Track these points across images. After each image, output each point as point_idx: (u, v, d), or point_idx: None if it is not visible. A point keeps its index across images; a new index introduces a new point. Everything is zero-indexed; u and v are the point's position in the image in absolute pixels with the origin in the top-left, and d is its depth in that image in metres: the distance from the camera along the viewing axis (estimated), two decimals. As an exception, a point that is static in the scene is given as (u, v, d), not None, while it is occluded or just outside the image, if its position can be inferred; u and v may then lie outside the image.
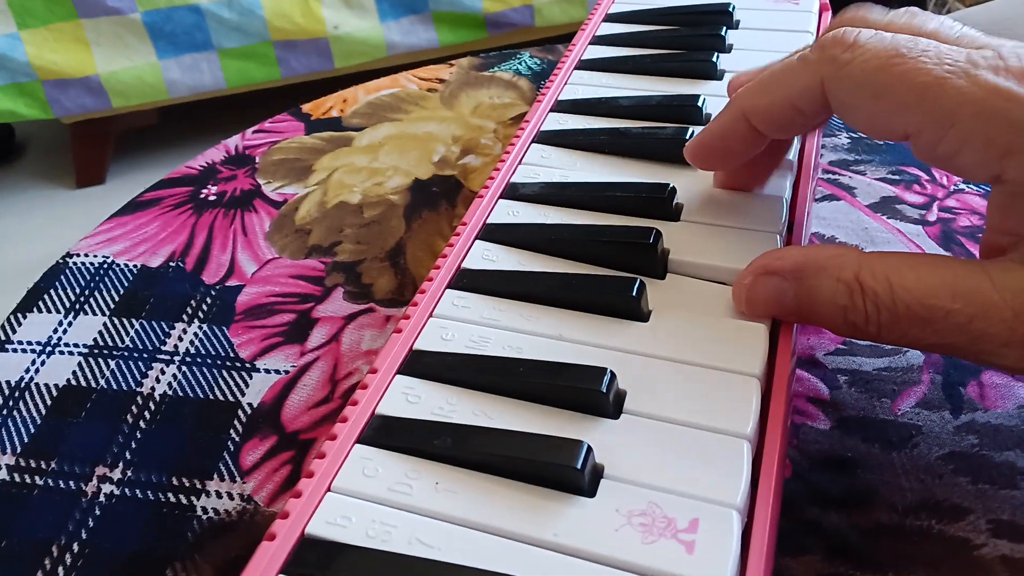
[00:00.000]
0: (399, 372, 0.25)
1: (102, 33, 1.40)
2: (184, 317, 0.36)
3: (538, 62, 0.52)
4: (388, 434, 0.23)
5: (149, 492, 0.29)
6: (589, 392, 0.23)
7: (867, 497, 0.27)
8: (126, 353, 0.34)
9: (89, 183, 1.62)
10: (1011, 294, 0.21)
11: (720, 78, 0.38)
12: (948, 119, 0.22)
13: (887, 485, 0.27)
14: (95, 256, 0.40)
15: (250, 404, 0.32)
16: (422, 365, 0.25)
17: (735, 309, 0.26)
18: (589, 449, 0.21)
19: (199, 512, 0.28)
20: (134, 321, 0.36)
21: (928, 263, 0.23)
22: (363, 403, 0.24)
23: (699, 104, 0.35)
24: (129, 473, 0.30)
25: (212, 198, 0.43)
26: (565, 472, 0.21)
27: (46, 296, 0.37)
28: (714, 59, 0.38)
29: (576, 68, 0.40)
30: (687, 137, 0.33)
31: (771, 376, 0.25)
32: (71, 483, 0.29)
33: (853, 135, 0.44)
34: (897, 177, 0.41)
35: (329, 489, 0.22)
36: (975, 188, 0.40)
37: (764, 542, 0.21)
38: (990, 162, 0.22)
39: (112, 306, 0.37)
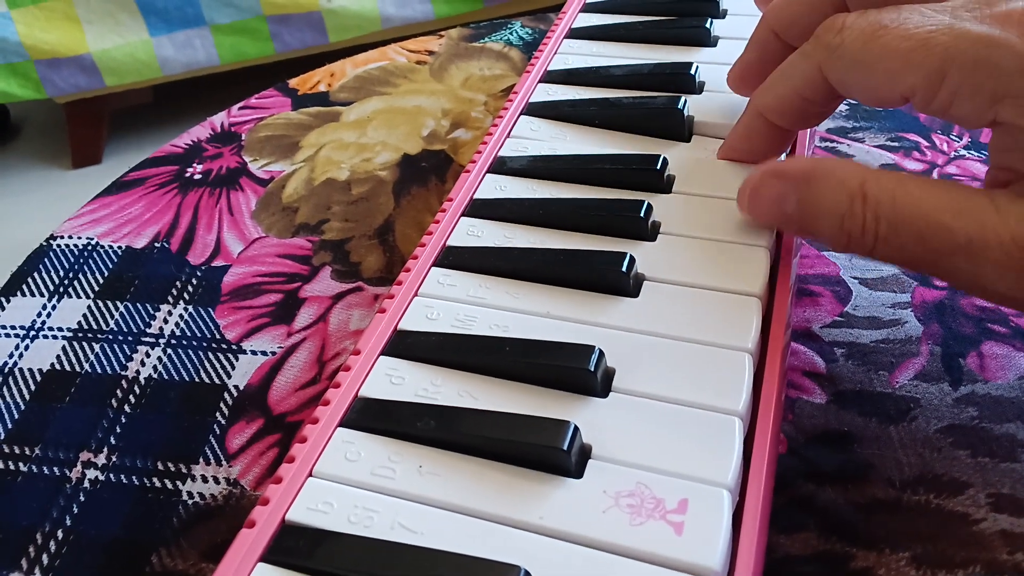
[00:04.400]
0: (383, 353, 0.24)
1: (93, 11, 1.38)
2: (169, 299, 0.35)
3: (529, 32, 0.51)
4: (371, 417, 0.23)
5: (134, 477, 0.28)
6: (576, 371, 0.22)
7: (864, 472, 0.26)
8: (111, 336, 0.34)
9: (85, 163, 1.61)
10: (1013, 219, 0.22)
11: (714, 44, 0.37)
12: (937, 76, 0.23)
13: (884, 459, 0.27)
14: (79, 238, 0.39)
15: (236, 387, 0.31)
16: (406, 346, 0.25)
17: (738, 208, 0.27)
18: (576, 429, 0.21)
19: (184, 497, 0.28)
20: (119, 304, 0.35)
21: (934, 183, 0.23)
22: (346, 385, 0.23)
23: (692, 72, 0.34)
24: (114, 458, 0.29)
25: (197, 177, 0.42)
26: (551, 453, 0.21)
27: (29, 279, 0.37)
28: (707, 25, 0.37)
29: (566, 37, 0.39)
30: (679, 106, 0.32)
31: (765, 350, 0.24)
32: (55, 469, 0.29)
33: (851, 101, 0.43)
34: (896, 144, 0.40)
35: (311, 474, 0.21)
36: (976, 154, 0.39)
37: (756, 521, 0.20)
38: (983, 109, 0.22)
39: (96, 289, 0.36)
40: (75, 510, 0.28)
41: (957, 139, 0.40)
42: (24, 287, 0.37)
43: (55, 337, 0.34)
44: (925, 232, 0.22)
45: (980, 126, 0.23)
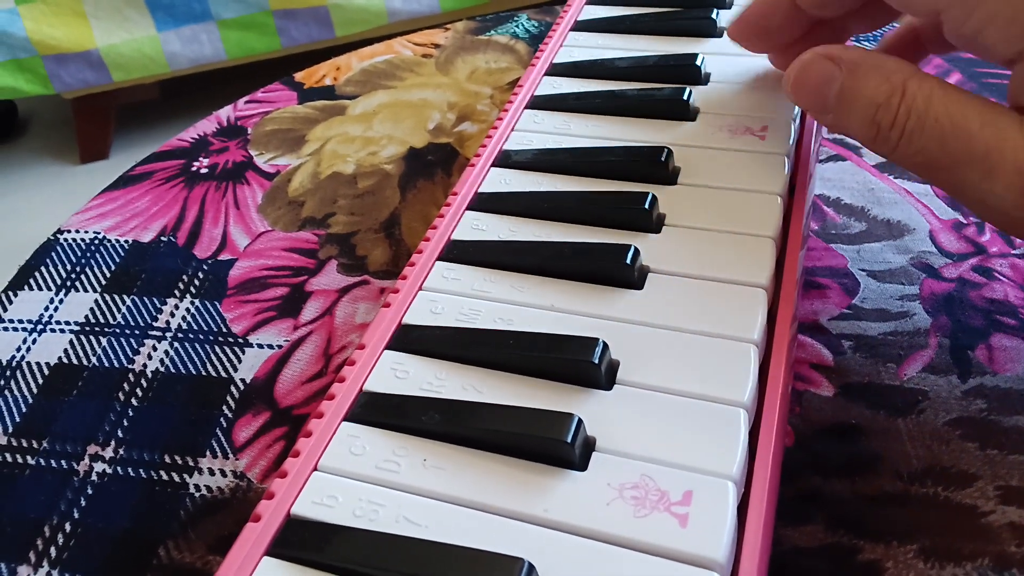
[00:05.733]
0: (388, 347, 0.24)
1: (100, 6, 1.38)
2: (176, 292, 0.35)
3: (535, 24, 0.51)
4: (376, 411, 0.23)
5: (141, 470, 0.29)
6: (581, 364, 0.22)
7: (871, 465, 0.26)
8: (118, 330, 0.34)
9: (93, 158, 1.62)
10: None
11: (720, 35, 0.36)
12: None
13: (892, 452, 0.27)
14: (86, 232, 0.39)
15: (243, 380, 0.31)
16: (411, 340, 0.25)
17: (783, 86, 0.27)
18: (580, 422, 0.21)
19: (192, 490, 0.28)
20: (125, 297, 0.35)
21: (972, 95, 0.23)
22: (350, 379, 0.23)
23: (698, 63, 0.33)
24: (121, 451, 0.29)
25: (204, 171, 0.42)
26: (555, 446, 0.21)
27: (37, 273, 0.37)
28: (713, 15, 0.36)
29: (572, 29, 0.38)
30: (684, 97, 0.32)
31: (771, 342, 0.24)
32: (63, 462, 0.29)
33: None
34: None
35: (316, 468, 0.21)
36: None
37: (762, 513, 0.20)
38: (1013, 39, 0.22)
39: (103, 282, 0.36)
40: (83, 503, 0.28)
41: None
42: (31, 281, 0.37)
43: (62, 331, 0.34)
44: (948, 134, 0.23)
45: (1003, 59, 0.23)
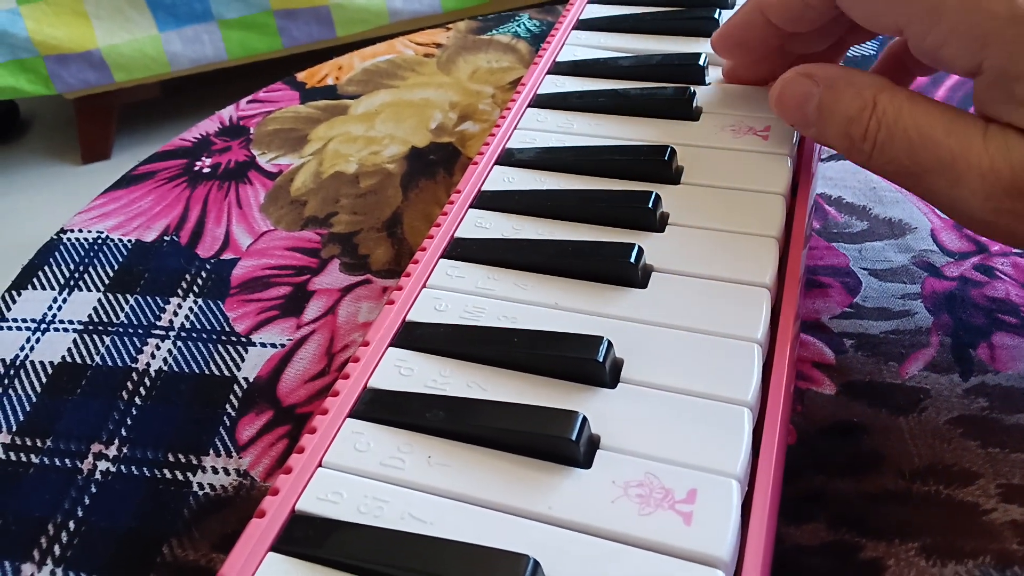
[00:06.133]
0: (392, 344, 0.24)
1: (102, 6, 1.38)
2: (179, 292, 0.35)
3: (537, 24, 0.51)
4: (380, 408, 0.23)
5: (145, 469, 0.29)
6: (585, 362, 0.22)
7: (873, 463, 0.26)
8: (121, 329, 0.34)
9: (95, 158, 1.62)
10: (995, 149, 0.23)
11: (722, 35, 0.36)
12: (936, 13, 0.23)
13: (894, 450, 0.27)
14: (89, 232, 0.39)
15: (246, 379, 0.31)
16: (415, 337, 0.25)
17: (769, 102, 0.28)
18: (585, 420, 0.21)
19: (195, 488, 0.28)
20: (129, 297, 0.35)
21: (939, 104, 0.24)
22: (355, 377, 0.23)
23: (701, 63, 0.34)
24: (125, 450, 0.29)
25: (206, 170, 0.42)
26: (560, 444, 0.21)
27: (40, 273, 0.37)
28: (716, 15, 0.36)
29: (574, 28, 0.38)
30: (688, 97, 0.32)
31: (774, 341, 0.24)
32: (67, 461, 0.29)
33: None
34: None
35: (320, 464, 0.21)
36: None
37: (765, 512, 0.20)
38: (972, 53, 0.23)
39: (107, 282, 0.36)
40: (87, 502, 0.28)
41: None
42: (35, 281, 0.37)
43: (66, 330, 0.34)
44: (917, 144, 0.24)
45: (964, 73, 0.24)
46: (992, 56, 0.23)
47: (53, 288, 0.36)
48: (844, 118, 0.25)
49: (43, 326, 0.34)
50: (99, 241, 0.38)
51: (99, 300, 0.35)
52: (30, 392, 0.32)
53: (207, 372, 0.32)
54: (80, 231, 0.39)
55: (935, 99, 0.24)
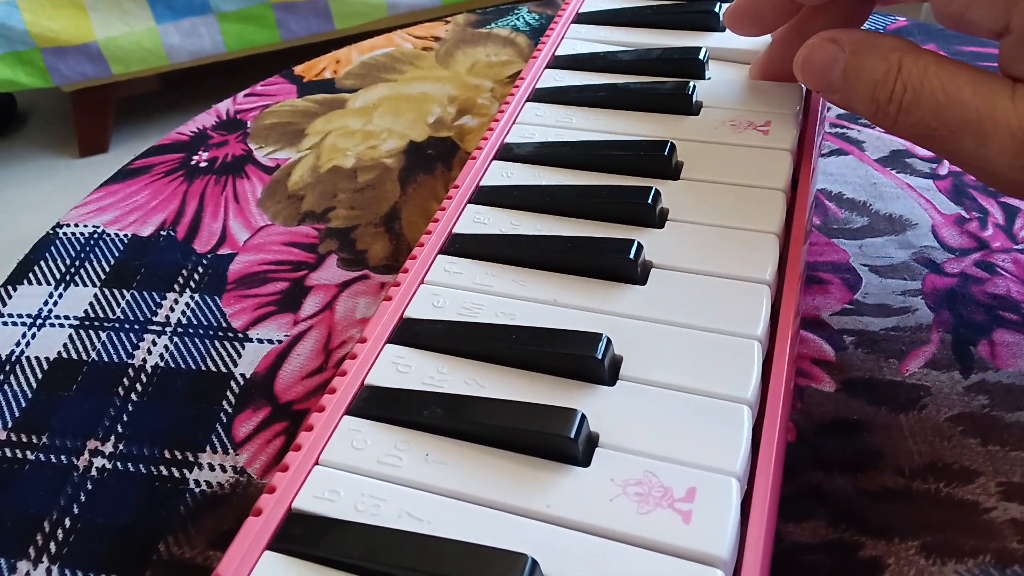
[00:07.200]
0: (389, 341, 0.24)
1: (99, -2, 1.38)
2: (176, 287, 0.35)
3: (536, 17, 0.50)
4: (377, 405, 0.23)
5: (141, 465, 0.28)
6: (584, 359, 0.22)
7: (873, 461, 0.26)
8: (117, 324, 0.34)
9: (92, 151, 1.61)
10: (1023, 106, 0.23)
11: (723, 29, 0.36)
12: None
13: (894, 448, 0.27)
14: (85, 226, 0.39)
15: (243, 375, 0.31)
16: (413, 334, 0.24)
17: (793, 70, 0.28)
18: (583, 418, 0.21)
19: (192, 485, 0.28)
20: (125, 292, 0.35)
21: (964, 66, 0.24)
22: (352, 373, 0.23)
23: (701, 57, 0.33)
24: (121, 446, 0.29)
25: (203, 165, 0.42)
26: (558, 441, 0.20)
27: (36, 268, 0.37)
28: (716, 9, 0.36)
29: (573, 22, 0.38)
30: (688, 92, 0.31)
31: (774, 338, 0.24)
32: (63, 457, 0.29)
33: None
34: (907, 130, 0.39)
35: (317, 462, 0.21)
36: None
37: (765, 510, 0.20)
38: (998, 13, 0.23)
39: (103, 277, 0.36)
40: (82, 498, 0.28)
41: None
42: (30, 275, 0.37)
43: (61, 325, 0.34)
44: (943, 105, 0.24)
45: (991, 34, 0.24)
46: (1019, 15, 0.23)
47: (49, 283, 0.36)
48: (870, 82, 0.25)
49: (39, 321, 0.34)
50: (95, 236, 0.38)
51: (95, 295, 0.35)
52: (26, 388, 0.32)
53: (204, 368, 0.32)
54: (76, 225, 0.39)
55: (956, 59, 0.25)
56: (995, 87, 0.23)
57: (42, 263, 0.37)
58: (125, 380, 0.31)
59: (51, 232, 0.39)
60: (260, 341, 0.32)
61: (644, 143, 0.30)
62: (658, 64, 0.34)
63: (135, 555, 0.26)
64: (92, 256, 0.37)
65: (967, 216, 0.35)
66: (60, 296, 0.35)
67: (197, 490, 0.28)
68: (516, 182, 0.29)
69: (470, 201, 0.29)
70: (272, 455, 0.28)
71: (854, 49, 0.26)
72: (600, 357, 0.22)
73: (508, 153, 0.31)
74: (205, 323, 0.33)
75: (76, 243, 0.38)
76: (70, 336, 0.33)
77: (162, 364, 0.32)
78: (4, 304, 0.35)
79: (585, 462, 0.21)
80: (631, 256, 0.25)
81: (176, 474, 0.28)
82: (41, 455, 0.29)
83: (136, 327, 0.34)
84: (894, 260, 0.33)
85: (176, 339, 0.33)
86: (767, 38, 0.33)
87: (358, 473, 0.21)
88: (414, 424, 0.22)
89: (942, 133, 0.24)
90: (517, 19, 0.51)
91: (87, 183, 1.51)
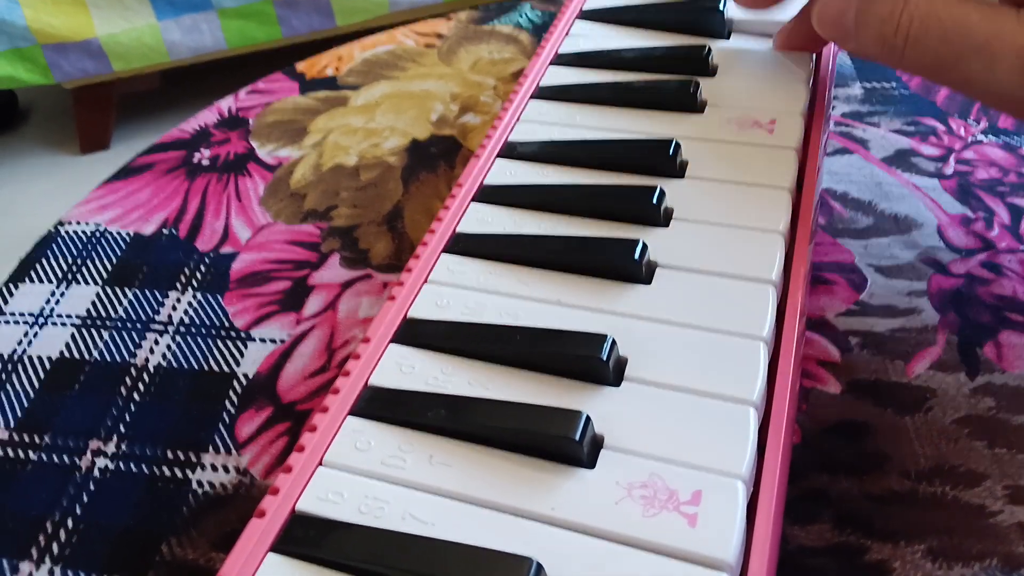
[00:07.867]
0: (392, 341, 0.24)
1: (100, -6, 1.37)
2: (178, 286, 0.35)
3: (539, 14, 0.50)
4: (381, 406, 0.22)
5: (144, 466, 0.28)
6: (588, 360, 0.22)
7: (879, 463, 0.26)
8: (119, 324, 0.34)
9: (93, 148, 1.61)
10: None
11: (727, 35, 0.36)
12: None
13: (900, 451, 0.26)
14: (87, 224, 0.39)
15: (245, 375, 0.31)
16: (416, 334, 0.24)
17: (812, 22, 0.29)
18: (588, 419, 0.21)
19: (194, 486, 0.28)
20: (127, 290, 0.35)
21: None
22: (355, 374, 0.23)
23: (706, 55, 0.33)
24: (123, 447, 0.29)
25: (205, 162, 0.42)
26: (563, 443, 0.20)
27: (38, 266, 0.37)
28: (720, 7, 0.36)
29: (577, 18, 0.38)
30: (692, 90, 0.31)
31: (779, 339, 0.24)
32: (65, 457, 0.29)
33: (867, 85, 0.42)
34: (912, 128, 0.39)
35: (320, 463, 0.21)
36: (994, 139, 0.38)
37: (771, 513, 0.20)
38: None
39: (105, 275, 0.36)
40: (85, 499, 0.28)
41: (974, 123, 0.39)
42: (32, 273, 0.36)
43: (64, 324, 0.34)
44: (950, 30, 0.24)
45: None
46: None
47: (51, 281, 0.36)
48: (878, 20, 0.26)
49: (41, 320, 0.34)
50: (97, 233, 0.38)
51: (97, 294, 0.35)
52: (28, 387, 0.32)
53: (206, 368, 0.31)
54: (78, 223, 0.39)
55: None
56: (1000, 11, 0.24)
57: (44, 261, 0.37)
58: (127, 380, 0.31)
59: (53, 230, 0.39)
60: (263, 341, 0.32)
61: (649, 142, 0.30)
62: (663, 61, 0.34)
63: (137, 556, 0.26)
64: (94, 254, 0.37)
65: (973, 216, 0.34)
66: (62, 295, 0.35)
67: (200, 491, 0.27)
68: (520, 180, 0.29)
69: (474, 200, 0.29)
70: (275, 456, 0.28)
71: None
72: (605, 358, 0.22)
73: (512, 151, 0.31)
74: (207, 322, 0.33)
75: (78, 241, 0.38)
76: (72, 335, 0.33)
77: (164, 364, 0.32)
78: (6, 302, 0.35)
79: (590, 464, 0.20)
80: (636, 256, 0.25)
81: (179, 475, 0.28)
82: (43, 455, 0.29)
83: (138, 326, 0.33)
84: (899, 260, 0.33)
85: (178, 338, 0.33)
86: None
87: (362, 475, 0.21)
88: (418, 425, 0.22)
89: (950, 60, 0.25)
90: (520, 16, 0.50)
91: (88, 180, 1.51)
